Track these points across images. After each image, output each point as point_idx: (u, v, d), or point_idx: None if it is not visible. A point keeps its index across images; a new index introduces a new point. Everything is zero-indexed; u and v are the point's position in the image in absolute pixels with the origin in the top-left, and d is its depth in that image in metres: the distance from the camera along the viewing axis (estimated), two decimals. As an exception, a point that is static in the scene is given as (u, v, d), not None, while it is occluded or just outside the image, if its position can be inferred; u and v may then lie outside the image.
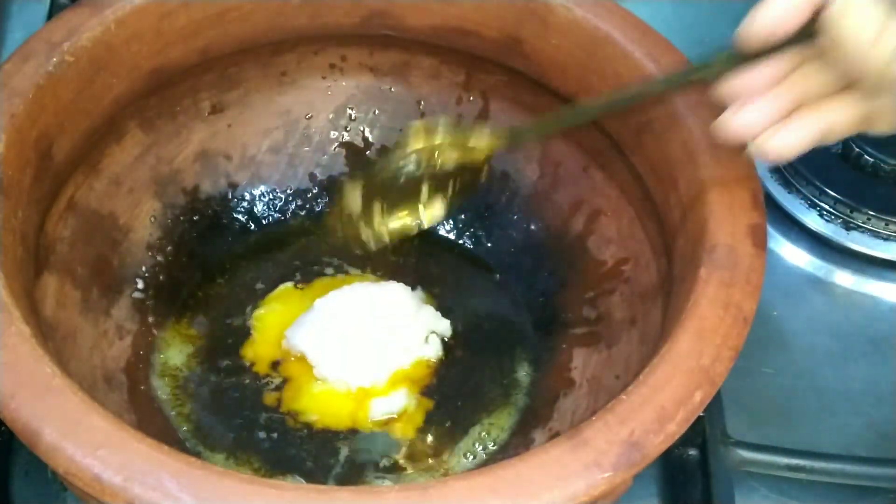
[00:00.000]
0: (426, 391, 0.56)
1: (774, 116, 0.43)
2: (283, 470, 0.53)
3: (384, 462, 0.53)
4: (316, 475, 0.53)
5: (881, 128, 0.43)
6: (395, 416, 0.55)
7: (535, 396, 0.56)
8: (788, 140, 0.43)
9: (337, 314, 0.57)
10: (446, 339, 0.59)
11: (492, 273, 0.62)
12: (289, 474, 0.53)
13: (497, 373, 0.58)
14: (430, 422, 0.55)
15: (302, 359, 0.56)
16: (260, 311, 0.59)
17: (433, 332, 0.58)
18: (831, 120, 0.43)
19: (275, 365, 0.57)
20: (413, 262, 0.62)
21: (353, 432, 0.55)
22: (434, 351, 0.58)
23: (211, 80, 0.60)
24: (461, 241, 0.63)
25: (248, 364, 0.57)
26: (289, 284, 0.61)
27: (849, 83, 0.42)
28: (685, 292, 0.45)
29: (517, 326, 0.60)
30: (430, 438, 0.55)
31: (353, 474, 0.53)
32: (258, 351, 0.58)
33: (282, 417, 0.55)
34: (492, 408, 0.56)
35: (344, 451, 0.54)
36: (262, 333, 0.58)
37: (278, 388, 0.56)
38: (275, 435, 0.54)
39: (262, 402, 0.56)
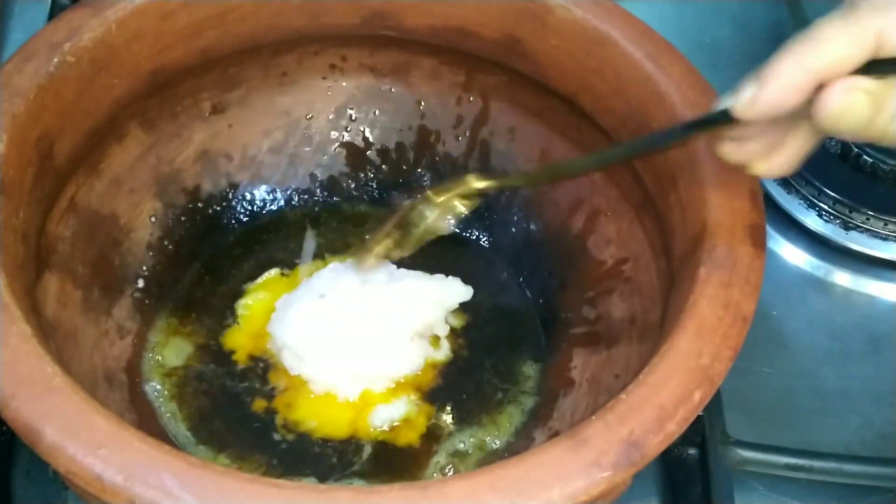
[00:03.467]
0: (430, 393, 0.56)
1: (770, 147, 0.44)
2: (284, 471, 0.53)
3: (385, 464, 0.53)
4: (315, 478, 0.53)
5: None
6: (398, 423, 0.55)
7: (536, 396, 0.56)
8: (780, 163, 0.44)
9: (330, 316, 0.56)
10: (455, 330, 0.59)
11: (497, 273, 0.62)
12: (289, 476, 0.53)
13: (500, 373, 0.57)
14: (432, 425, 0.55)
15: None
16: (246, 301, 0.59)
17: (446, 308, 0.58)
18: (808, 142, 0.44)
19: (264, 364, 0.57)
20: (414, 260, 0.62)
21: (354, 438, 0.54)
22: (442, 353, 0.58)
23: (212, 80, 0.60)
24: (463, 237, 0.63)
25: (249, 364, 0.57)
26: (275, 271, 0.61)
27: None
28: (684, 292, 0.45)
29: (519, 326, 0.60)
30: (432, 441, 0.54)
31: (354, 477, 0.53)
32: (240, 340, 0.58)
33: (282, 422, 0.55)
34: (495, 409, 0.56)
35: (346, 456, 0.54)
36: (249, 322, 0.58)
37: (279, 392, 0.56)
38: (275, 436, 0.54)
39: (263, 404, 0.55)
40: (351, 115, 0.64)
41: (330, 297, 0.56)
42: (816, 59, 0.39)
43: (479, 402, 0.56)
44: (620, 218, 0.57)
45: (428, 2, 0.58)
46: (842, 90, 0.39)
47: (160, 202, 0.60)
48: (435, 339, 0.58)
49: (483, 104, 0.62)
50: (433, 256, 0.62)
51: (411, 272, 0.59)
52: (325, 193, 0.64)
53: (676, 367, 0.42)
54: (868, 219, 0.65)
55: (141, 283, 0.58)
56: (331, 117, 0.64)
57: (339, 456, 0.54)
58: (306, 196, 0.64)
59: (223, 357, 0.57)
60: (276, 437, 0.54)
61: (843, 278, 0.65)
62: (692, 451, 0.53)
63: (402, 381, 0.56)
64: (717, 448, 0.53)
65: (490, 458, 0.54)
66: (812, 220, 0.66)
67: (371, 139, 0.64)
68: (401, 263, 0.60)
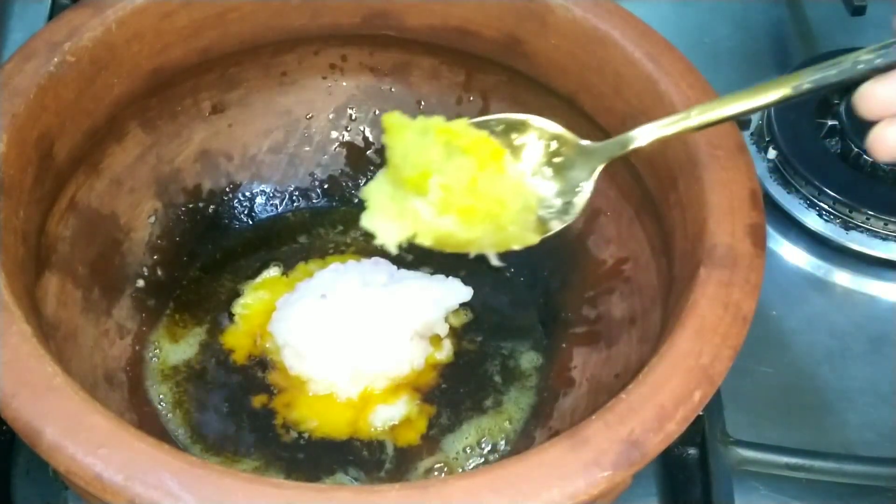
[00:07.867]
0: (430, 393, 0.56)
1: None
2: (283, 470, 0.53)
3: (386, 467, 0.53)
4: (315, 480, 0.53)
5: None
6: (398, 423, 0.55)
7: (537, 396, 0.56)
8: None
9: (331, 316, 0.56)
10: (457, 326, 0.59)
11: (497, 273, 0.62)
12: (289, 475, 0.53)
13: (500, 373, 0.57)
14: (433, 426, 0.55)
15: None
16: (246, 300, 0.59)
17: (446, 309, 0.58)
18: None
19: (264, 363, 0.57)
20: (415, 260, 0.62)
21: (354, 439, 0.54)
22: (442, 353, 0.58)
23: (212, 80, 0.60)
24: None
25: (249, 364, 0.57)
26: (275, 271, 0.61)
27: None
28: (684, 291, 0.45)
29: (520, 326, 0.60)
30: (433, 443, 0.54)
31: (355, 478, 0.53)
32: (239, 339, 0.58)
33: (281, 422, 0.55)
34: (495, 408, 0.56)
35: (346, 456, 0.54)
36: (249, 322, 0.58)
37: (279, 392, 0.56)
38: (275, 435, 0.54)
39: (262, 403, 0.56)
40: (351, 115, 0.64)
41: (331, 297, 0.56)
42: None
43: (480, 401, 0.56)
44: (620, 218, 0.57)
45: (428, 2, 0.58)
46: None
47: (160, 202, 0.60)
48: (436, 339, 0.58)
49: (483, 104, 0.62)
50: (433, 256, 0.62)
51: (411, 273, 0.59)
52: (325, 193, 0.64)
53: (676, 367, 0.42)
54: (868, 219, 0.65)
55: (141, 283, 0.58)
56: (331, 117, 0.64)
57: (337, 455, 0.54)
58: (306, 195, 0.64)
59: (223, 356, 0.57)
60: (276, 436, 0.54)
61: (843, 278, 0.65)
62: (692, 451, 0.53)
63: (403, 380, 0.56)
64: (717, 448, 0.53)
65: (490, 457, 0.54)
66: (812, 220, 0.66)
67: (371, 139, 0.64)
68: (401, 264, 0.60)
